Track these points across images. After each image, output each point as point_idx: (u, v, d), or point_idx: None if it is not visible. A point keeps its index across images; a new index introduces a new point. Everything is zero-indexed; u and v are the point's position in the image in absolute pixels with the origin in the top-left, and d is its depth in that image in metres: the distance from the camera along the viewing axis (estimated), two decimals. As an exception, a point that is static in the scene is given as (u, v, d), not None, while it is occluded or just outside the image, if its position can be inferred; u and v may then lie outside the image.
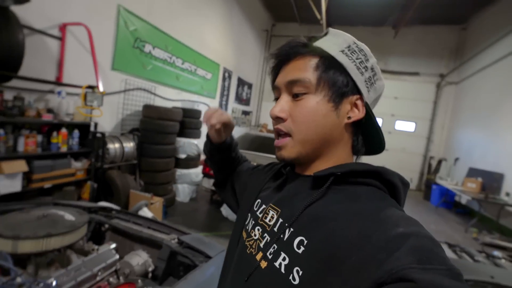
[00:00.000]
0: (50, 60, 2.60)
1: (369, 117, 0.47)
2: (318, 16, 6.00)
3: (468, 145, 5.89)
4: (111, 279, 1.15)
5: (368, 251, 0.33)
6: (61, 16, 2.62)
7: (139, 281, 1.04)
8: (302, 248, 0.40)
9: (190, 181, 4.19)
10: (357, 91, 0.47)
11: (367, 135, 0.50)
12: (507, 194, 4.66)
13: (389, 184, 0.45)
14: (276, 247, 0.43)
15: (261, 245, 0.46)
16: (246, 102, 8.45)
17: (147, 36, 3.87)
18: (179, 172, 4.08)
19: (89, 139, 2.65)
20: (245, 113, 8.48)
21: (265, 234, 0.47)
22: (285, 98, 0.49)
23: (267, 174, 0.63)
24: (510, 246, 3.79)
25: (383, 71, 7.48)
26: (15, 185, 2.10)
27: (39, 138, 2.30)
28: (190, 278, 1.12)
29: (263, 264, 0.44)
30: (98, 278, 1.09)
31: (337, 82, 0.46)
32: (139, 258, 1.25)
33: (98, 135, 2.67)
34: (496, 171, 5.04)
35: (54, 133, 2.39)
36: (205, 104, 5.78)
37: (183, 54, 4.82)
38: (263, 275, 0.43)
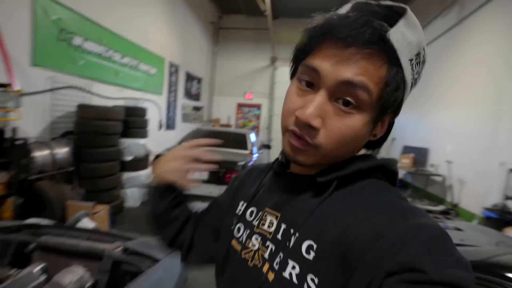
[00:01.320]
0: None
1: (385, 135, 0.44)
2: (262, 7, 6.03)
3: (403, 126, 6.57)
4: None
5: (382, 247, 0.32)
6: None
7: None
8: (313, 253, 0.36)
9: (139, 184, 3.93)
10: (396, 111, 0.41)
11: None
12: (432, 166, 5.35)
13: (391, 174, 0.43)
14: (282, 255, 0.39)
15: (266, 255, 0.42)
16: (197, 97, 8.19)
17: (75, 26, 3.43)
18: (126, 175, 3.78)
19: (7, 148, 2.27)
20: (196, 108, 8.22)
21: (268, 243, 0.42)
22: (323, 100, 0.36)
23: (250, 177, 0.57)
24: (436, 209, 4.43)
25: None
26: None
27: None
28: (134, 286, 1.03)
29: (270, 276, 0.39)
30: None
31: (393, 103, 0.38)
32: (73, 275, 1.11)
33: (19, 141, 2.30)
34: (423, 147, 5.71)
35: (-43, 143, 1.99)
36: (151, 101, 5.43)
37: (122, 48, 4.42)
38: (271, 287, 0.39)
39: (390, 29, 0.35)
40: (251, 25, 8.84)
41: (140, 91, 5.07)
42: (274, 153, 7.13)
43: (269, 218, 0.45)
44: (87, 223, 2.07)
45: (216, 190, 3.41)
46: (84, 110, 3.19)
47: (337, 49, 0.35)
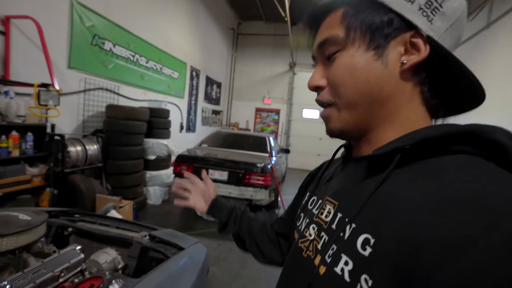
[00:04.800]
0: (-7, 57, 2.36)
1: (441, 55, 0.34)
2: (283, 13, 6.13)
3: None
4: (76, 280, 1.07)
5: (473, 261, 0.22)
6: (2, 8, 2.39)
7: (107, 273, 0.99)
8: (369, 250, 0.30)
9: (161, 183, 4.06)
10: (410, 26, 0.35)
11: (450, 83, 0.36)
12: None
13: (490, 146, 0.29)
14: (335, 248, 0.35)
15: (319, 246, 0.39)
16: (216, 101, 8.37)
17: (106, 32, 3.67)
18: (149, 174, 3.93)
19: (46, 142, 2.45)
20: (216, 112, 8.40)
21: (322, 233, 0.39)
22: (319, 65, 0.42)
23: (320, 171, 0.55)
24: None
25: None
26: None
27: (-15, 143, 2.08)
28: (162, 269, 1.09)
29: (322, 269, 0.36)
30: (61, 280, 1.01)
31: (373, 24, 0.36)
32: (107, 256, 1.19)
33: (57, 137, 2.48)
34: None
35: (3, 137, 2.17)
36: (173, 104, 5.63)
37: (147, 53, 4.65)
38: (322, 282, 0.35)
39: None
40: (270, 31, 8.96)
41: (163, 94, 5.28)
42: (293, 157, 7.06)
43: (328, 207, 0.41)
44: (115, 214, 2.19)
45: (235, 191, 3.46)
46: (113, 110, 3.38)
47: (318, 31, 0.42)
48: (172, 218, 3.75)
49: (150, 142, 3.89)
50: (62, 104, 2.62)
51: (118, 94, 3.95)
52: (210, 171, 3.53)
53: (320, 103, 0.42)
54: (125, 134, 3.36)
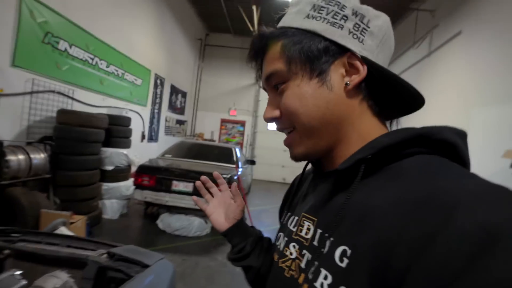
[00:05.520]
0: None
1: (379, 72, 0.38)
2: (251, 28, 6.27)
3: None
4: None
5: (434, 257, 0.23)
6: None
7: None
8: (346, 261, 0.31)
9: (119, 196, 3.75)
10: (345, 50, 0.38)
11: (392, 93, 0.40)
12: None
13: (442, 145, 0.33)
14: (317, 263, 0.35)
15: (302, 265, 0.38)
16: (181, 111, 8.14)
17: (61, 31, 3.36)
18: (106, 186, 3.60)
19: (-21, 149, 2.10)
20: (180, 122, 8.14)
21: (304, 251, 0.39)
22: (271, 96, 0.44)
23: (292, 188, 0.56)
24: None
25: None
26: None
27: None
28: (125, 291, 0.97)
29: (305, 287, 0.35)
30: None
31: (310, 53, 0.38)
32: (56, 280, 1.02)
33: (-7, 143, 2.14)
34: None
35: None
36: (135, 112, 5.32)
37: (109, 57, 4.36)
38: None
39: (280, 21, 0.44)
40: (238, 44, 9.10)
41: (124, 101, 4.97)
42: (258, 169, 7.11)
43: (306, 223, 0.41)
44: (64, 231, 1.93)
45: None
46: (65, 116, 3.06)
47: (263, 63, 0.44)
48: (131, 233, 3.46)
49: (108, 151, 3.60)
50: (2, 106, 2.29)
51: (72, 98, 3.60)
52: (175, 182, 3.36)
53: (282, 130, 0.44)
54: (80, 142, 3.05)
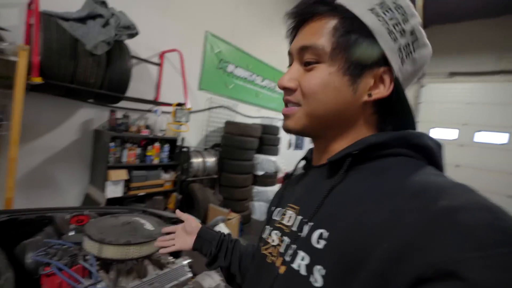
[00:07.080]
0: (150, 83, 2.98)
1: (398, 96, 0.39)
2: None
3: None
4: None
5: (402, 236, 0.26)
6: (160, 45, 3.00)
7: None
8: (323, 242, 0.34)
9: (266, 199, 4.08)
10: (386, 62, 0.38)
11: (395, 115, 0.41)
12: None
13: (421, 149, 0.37)
14: (295, 247, 0.38)
15: (281, 250, 0.41)
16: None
17: (230, 56, 4.11)
18: (256, 189, 4.02)
19: (177, 153, 2.85)
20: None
21: (284, 237, 0.42)
22: (295, 67, 0.43)
23: (283, 186, 0.58)
24: None
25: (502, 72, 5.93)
26: (117, 191, 2.38)
27: (138, 151, 2.59)
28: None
29: (282, 269, 0.38)
30: (168, 297, 1.01)
31: (359, 50, 0.38)
32: (211, 281, 1.13)
33: (184, 149, 2.85)
34: None
35: (149, 147, 2.66)
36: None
37: (263, 72, 4.94)
38: (281, 281, 0.38)
39: None
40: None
41: (275, 111, 5.45)
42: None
43: (289, 212, 0.44)
44: (223, 228, 2.26)
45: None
46: (230, 126, 3.67)
47: (302, 28, 0.43)
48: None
49: (260, 158, 4.01)
50: (191, 120, 3.01)
51: (235, 111, 4.31)
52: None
53: (288, 102, 0.44)
54: (239, 149, 3.57)
